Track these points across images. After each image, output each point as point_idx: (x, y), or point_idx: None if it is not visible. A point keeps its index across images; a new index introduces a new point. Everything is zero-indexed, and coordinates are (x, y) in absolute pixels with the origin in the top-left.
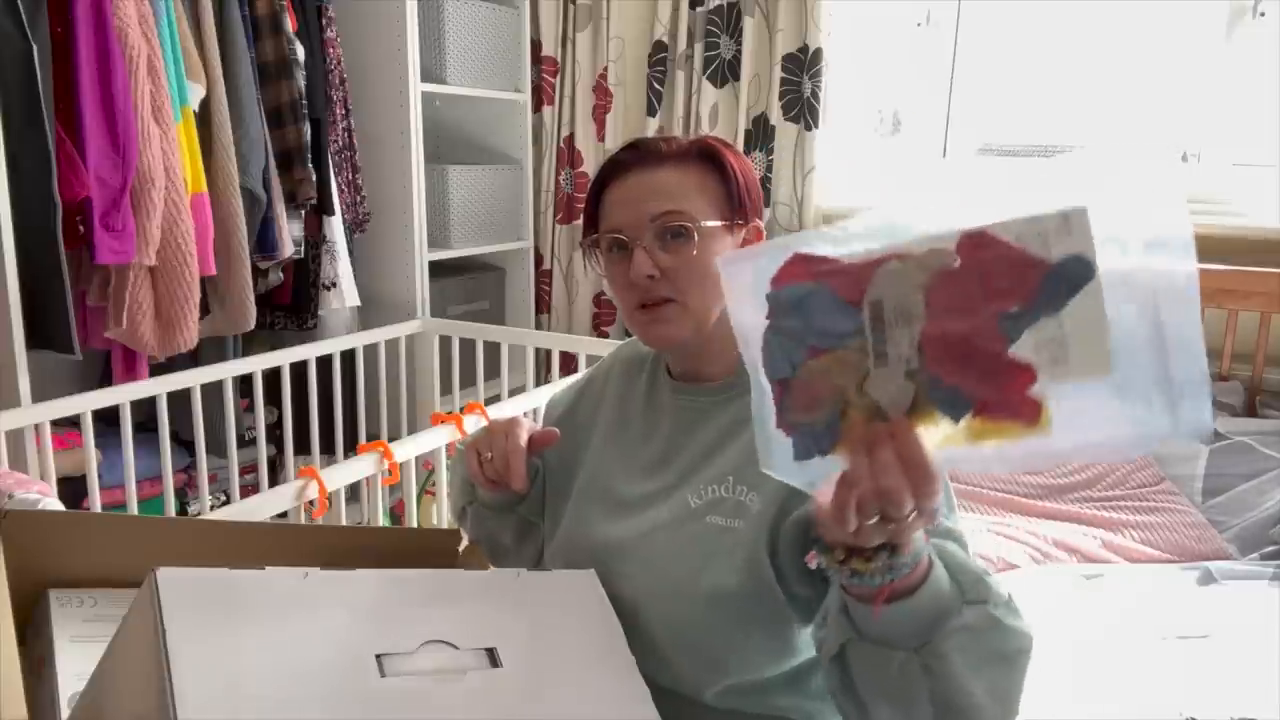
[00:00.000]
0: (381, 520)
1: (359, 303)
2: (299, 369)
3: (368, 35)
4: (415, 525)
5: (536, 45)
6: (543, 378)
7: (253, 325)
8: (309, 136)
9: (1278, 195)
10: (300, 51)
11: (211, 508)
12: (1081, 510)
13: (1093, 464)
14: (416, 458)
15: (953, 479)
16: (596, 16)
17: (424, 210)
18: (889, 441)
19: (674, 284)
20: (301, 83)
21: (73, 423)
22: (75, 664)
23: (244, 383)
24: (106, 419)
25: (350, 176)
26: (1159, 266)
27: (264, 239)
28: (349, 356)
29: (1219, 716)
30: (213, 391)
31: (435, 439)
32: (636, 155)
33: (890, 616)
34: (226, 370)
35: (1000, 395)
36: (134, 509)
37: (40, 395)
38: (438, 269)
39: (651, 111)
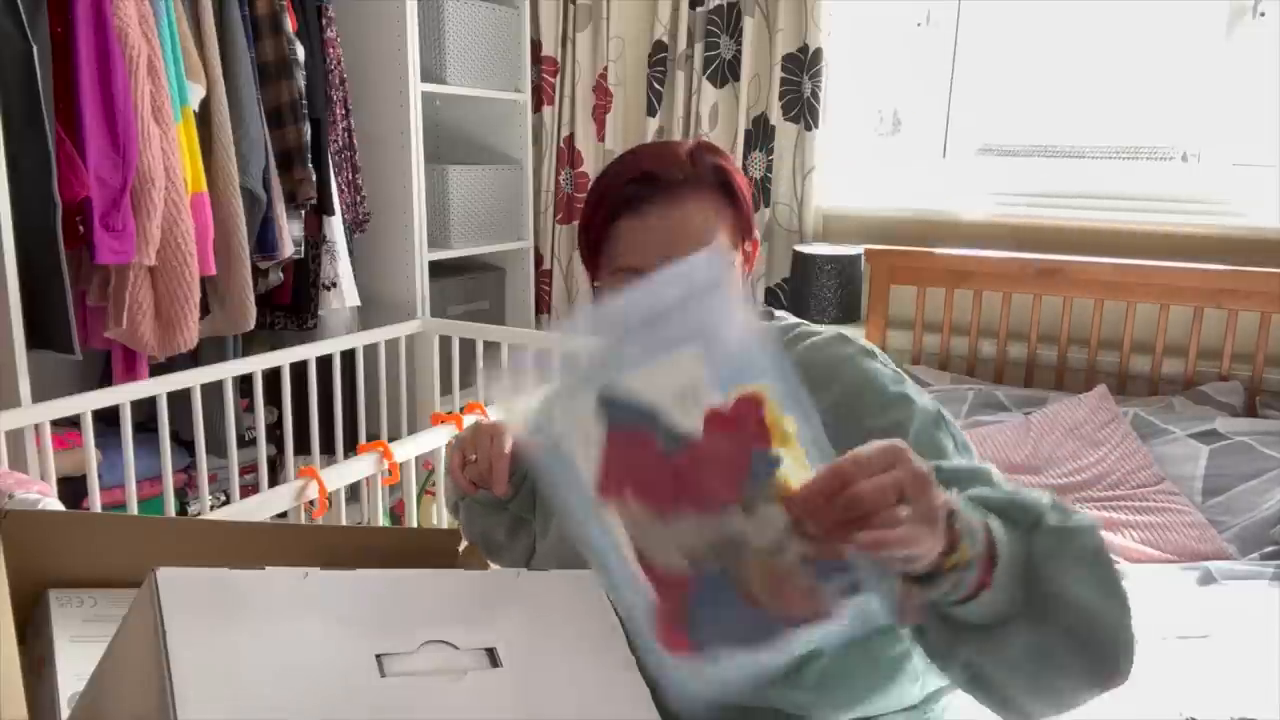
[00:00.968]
0: (381, 520)
1: (359, 303)
2: (299, 369)
3: (368, 35)
4: (415, 525)
5: (536, 45)
6: None
7: (253, 325)
8: (309, 136)
9: (1278, 195)
10: (300, 51)
11: (211, 508)
12: (1081, 510)
13: (1092, 464)
14: (416, 458)
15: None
16: (596, 16)
17: (424, 210)
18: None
19: None
20: (301, 83)
21: (73, 423)
22: (75, 664)
23: (244, 383)
24: (106, 419)
25: (350, 176)
26: None
27: (264, 239)
28: (349, 356)
29: (1219, 716)
30: (213, 391)
31: (435, 439)
32: (651, 189)
33: (999, 583)
34: (226, 370)
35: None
36: (134, 509)
37: (40, 395)
38: (438, 269)
39: (651, 111)
